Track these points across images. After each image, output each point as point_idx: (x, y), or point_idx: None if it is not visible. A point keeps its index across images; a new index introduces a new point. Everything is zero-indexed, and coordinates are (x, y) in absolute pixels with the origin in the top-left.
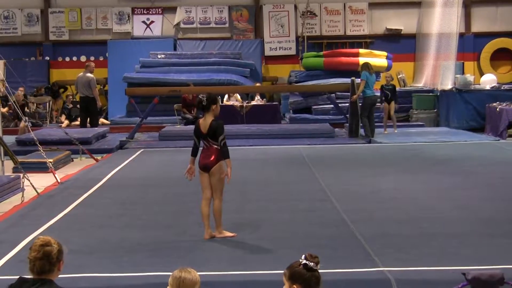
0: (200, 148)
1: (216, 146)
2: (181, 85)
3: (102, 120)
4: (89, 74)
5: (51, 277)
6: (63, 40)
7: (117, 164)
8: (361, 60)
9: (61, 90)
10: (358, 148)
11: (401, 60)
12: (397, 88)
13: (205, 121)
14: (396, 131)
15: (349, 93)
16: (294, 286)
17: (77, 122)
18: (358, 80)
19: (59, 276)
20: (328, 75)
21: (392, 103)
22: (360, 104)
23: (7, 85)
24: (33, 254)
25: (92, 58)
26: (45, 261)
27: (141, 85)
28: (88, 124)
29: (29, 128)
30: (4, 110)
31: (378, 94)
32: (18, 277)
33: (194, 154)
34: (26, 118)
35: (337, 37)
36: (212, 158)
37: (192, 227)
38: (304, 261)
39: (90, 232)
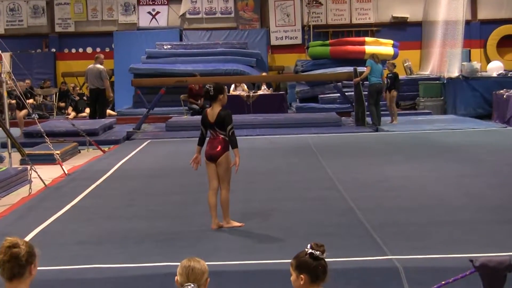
0: (207, 139)
1: (223, 136)
2: (187, 75)
3: (108, 111)
4: (99, 66)
5: (23, 281)
6: (69, 32)
7: (124, 155)
8: (367, 49)
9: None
10: (365, 136)
11: (407, 48)
12: (404, 76)
13: (213, 111)
14: (395, 122)
15: None
16: (301, 275)
17: (84, 114)
18: (364, 69)
19: (66, 266)
20: (335, 64)
21: (393, 91)
22: (366, 92)
23: (13, 77)
24: (0, 256)
25: (98, 50)
26: (13, 264)
27: (147, 76)
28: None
29: (36, 120)
30: (13, 102)
31: (385, 81)
32: None
33: (200, 143)
34: (29, 109)
35: (343, 25)
36: (218, 149)
37: (200, 217)
38: (310, 251)
39: (98, 223)
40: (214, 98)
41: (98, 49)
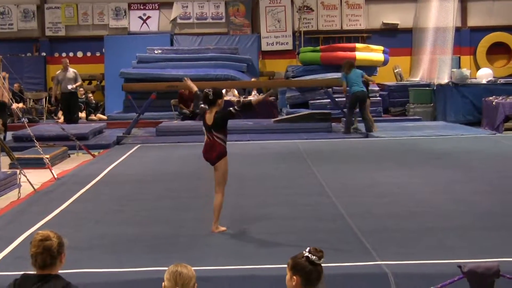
0: (203, 143)
1: (219, 141)
2: (178, 80)
3: (99, 115)
4: None
5: (54, 270)
6: (60, 36)
7: (114, 160)
8: (358, 55)
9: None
10: (355, 142)
11: (398, 55)
12: (394, 83)
13: (211, 115)
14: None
15: None
16: (294, 277)
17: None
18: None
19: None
20: (325, 70)
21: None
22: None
23: (4, 80)
24: (33, 249)
25: (88, 54)
26: (46, 256)
27: (138, 80)
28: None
29: (26, 124)
30: None
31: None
32: (21, 273)
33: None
34: (15, 105)
35: (334, 31)
36: (214, 156)
37: (190, 222)
38: (307, 254)
39: (87, 228)
40: (213, 102)
41: (88, 54)
